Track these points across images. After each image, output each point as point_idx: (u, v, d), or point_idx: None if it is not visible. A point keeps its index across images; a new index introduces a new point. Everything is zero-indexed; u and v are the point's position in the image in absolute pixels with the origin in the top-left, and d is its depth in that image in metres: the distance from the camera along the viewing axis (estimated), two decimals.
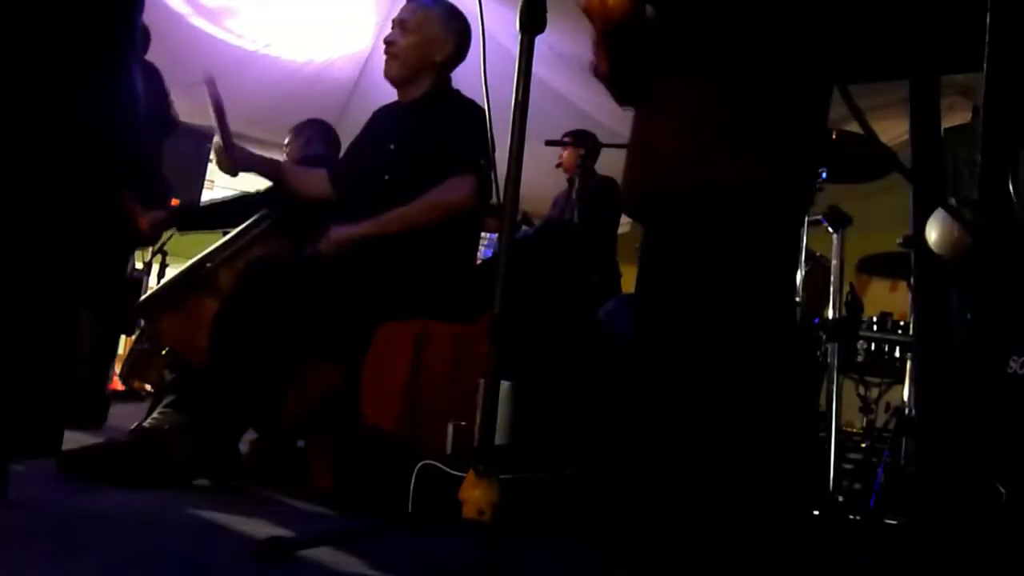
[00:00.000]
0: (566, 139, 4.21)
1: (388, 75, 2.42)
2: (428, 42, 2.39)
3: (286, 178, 2.57)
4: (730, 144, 1.47)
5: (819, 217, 2.77)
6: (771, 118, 1.49)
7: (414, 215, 2.23)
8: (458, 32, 2.42)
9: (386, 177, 2.33)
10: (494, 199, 2.19)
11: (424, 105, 2.39)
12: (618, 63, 1.68)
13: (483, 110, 2.33)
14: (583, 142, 4.18)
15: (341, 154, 3.17)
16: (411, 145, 2.35)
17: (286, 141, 3.58)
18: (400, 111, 2.47)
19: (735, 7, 1.50)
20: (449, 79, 2.46)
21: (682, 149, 1.51)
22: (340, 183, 2.51)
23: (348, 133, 2.73)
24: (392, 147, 2.39)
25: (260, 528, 1.51)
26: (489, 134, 2.26)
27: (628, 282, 3.51)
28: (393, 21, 2.45)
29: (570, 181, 4.29)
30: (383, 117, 2.54)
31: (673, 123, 1.54)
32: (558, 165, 4.32)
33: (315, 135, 3.46)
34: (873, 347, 3.02)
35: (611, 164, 4.34)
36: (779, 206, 1.54)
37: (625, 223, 4.62)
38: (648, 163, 1.59)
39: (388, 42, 2.41)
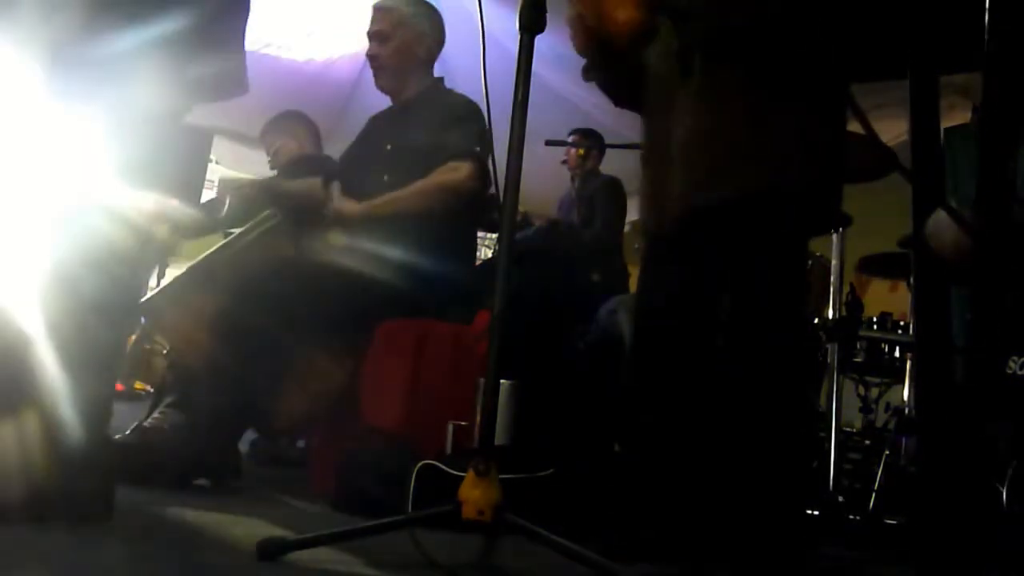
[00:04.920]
0: (570, 138, 4.20)
1: (380, 87, 2.46)
2: (408, 43, 2.41)
3: (279, 193, 2.57)
4: (757, 153, 1.48)
5: None
6: (797, 125, 1.49)
7: (414, 196, 2.26)
8: (433, 22, 2.46)
9: (385, 177, 2.34)
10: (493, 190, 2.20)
11: (417, 103, 2.43)
12: (614, 71, 1.68)
13: (475, 102, 2.36)
14: (581, 142, 4.16)
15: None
16: (408, 143, 2.37)
17: (274, 147, 3.40)
18: (394, 112, 2.51)
19: (753, 13, 1.50)
20: (433, 71, 2.49)
21: (709, 160, 1.52)
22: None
23: (348, 133, 2.73)
24: (389, 147, 2.42)
25: (260, 528, 1.51)
26: (484, 125, 2.29)
27: (633, 282, 3.51)
28: (369, 34, 2.45)
29: (572, 180, 4.28)
30: (378, 121, 2.57)
31: (695, 134, 1.54)
32: (564, 162, 4.29)
33: (301, 131, 3.35)
34: (873, 347, 3.01)
35: (614, 164, 4.34)
36: (803, 211, 1.55)
37: (627, 223, 4.61)
38: (673, 175, 1.59)
39: (371, 56, 2.42)
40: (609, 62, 1.69)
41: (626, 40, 1.59)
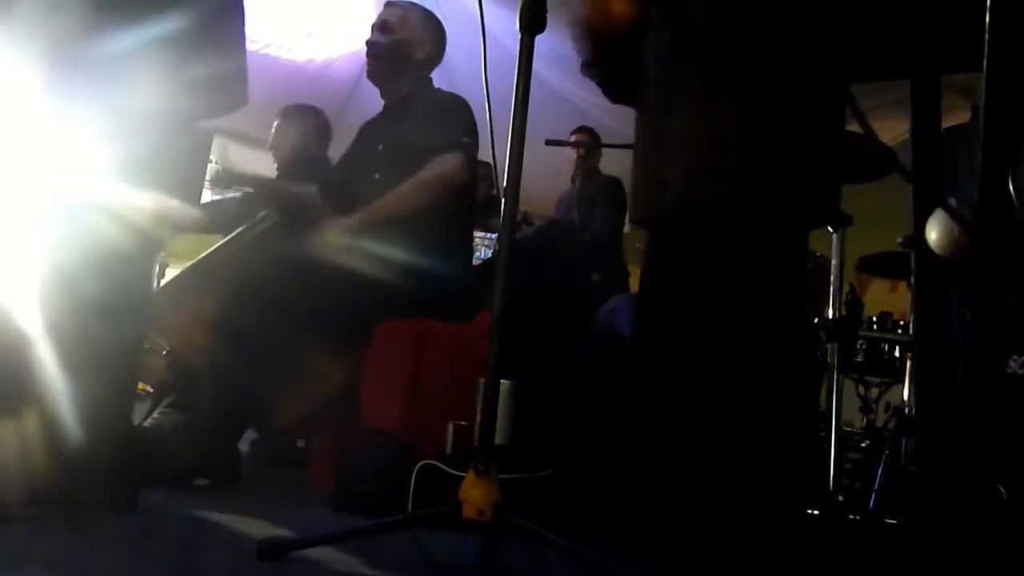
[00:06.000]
0: (572, 137, 4.19)
1: (371, 75, 2.47)
2: (408, 41, 2.45)
3: (279, 196, 2.60)
4: (755, 151, 1.48)
5: None
6: (795, 124, 1.49)
7: (404, 195, 2.26)
8: (436, 33, 2.50)
9: (376, 176, 2.36)
10: (495, 190, 2.21)
11: (406, 103, 2.44)
12: (613, 65, 1.68)
13: (461, 95, 2.38)
14: (581, 142, 4.16)
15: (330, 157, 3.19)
16: (398, 142, 2.38)
17: (279, 134, 3.36)
18: (384, 114, 2.53)
19: (751, 12, 1.50)
20: (430, 79, 2.51)
21: (707, 158, 1.51)
22: (331, 197, 2.53)
23: (348, 133, 2.74)
24: (380, 147, 2.43)
25: (260, 528, 1.51)
26: (471, 116, 2.30)
27: (633, 282, 3.51)
28: (373, 25, 2.48)
29: (572, 180, 4.28)
30: (369, 126, 2.59)
31: (693, 131, 1.54)
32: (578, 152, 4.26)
33: (309, 128, 3.36)
34: (873, 347, 3.01)
35: (614, 163, 4.34)
36: (802, 210, 1.55)
37: (627, 223, 4.61)
38: (670, 172, 1.59)
39: (371, 43, 2.44)
40: (607, 58, 1.69)
41: (621, 33, 1.59)
